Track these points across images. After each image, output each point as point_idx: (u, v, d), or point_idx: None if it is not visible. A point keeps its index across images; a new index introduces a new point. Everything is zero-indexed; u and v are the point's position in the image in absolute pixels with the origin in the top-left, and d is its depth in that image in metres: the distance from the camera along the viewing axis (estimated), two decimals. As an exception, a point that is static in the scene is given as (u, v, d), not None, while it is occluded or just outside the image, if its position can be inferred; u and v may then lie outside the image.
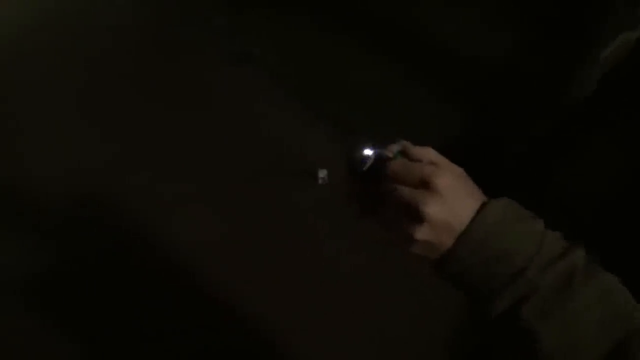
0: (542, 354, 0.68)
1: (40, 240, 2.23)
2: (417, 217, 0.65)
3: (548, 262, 0.67)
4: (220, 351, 1.98)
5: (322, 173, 2.50)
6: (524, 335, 0.68)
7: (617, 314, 0.68)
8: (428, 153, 0.71)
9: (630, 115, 1.06)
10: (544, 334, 0.67)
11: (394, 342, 1.91)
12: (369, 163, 0.77)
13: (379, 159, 0.76)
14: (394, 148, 0.78)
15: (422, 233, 0.65)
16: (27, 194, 2.40)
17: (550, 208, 0.77)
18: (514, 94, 2.78)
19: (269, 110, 3.49)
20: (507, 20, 3.05)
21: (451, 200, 0.65)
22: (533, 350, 0.68)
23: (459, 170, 0.70)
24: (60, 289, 2.07)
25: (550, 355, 0.68)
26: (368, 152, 0.77)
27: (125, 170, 2.55)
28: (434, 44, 3.35)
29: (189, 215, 2.31)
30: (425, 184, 0.65)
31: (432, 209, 0.64)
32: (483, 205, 0.66)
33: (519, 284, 0.67)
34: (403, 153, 0.76)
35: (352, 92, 3.52)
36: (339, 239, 2.21)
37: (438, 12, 3.29)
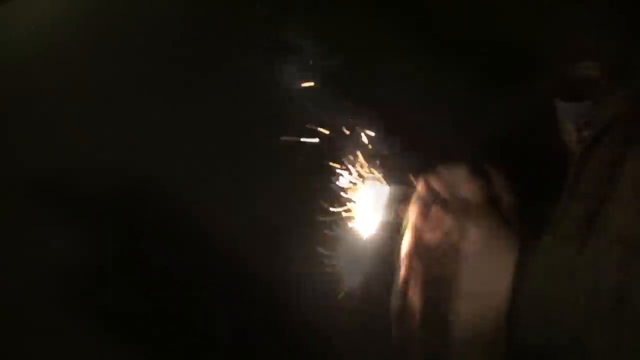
0: None
1: (87, 232, 2.26)
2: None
3: None
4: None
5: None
6: None
7: None
8: (459, 186, 0.68)
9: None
10: None
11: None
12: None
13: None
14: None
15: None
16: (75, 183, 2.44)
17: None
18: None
19: (306, 100, 3.47)
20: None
21: (483, 272, 0.61)
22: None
23: (490, 216, 0.66)
24: (102, 279, 2.10)
25: None
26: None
27: (165, 156, 2.56)
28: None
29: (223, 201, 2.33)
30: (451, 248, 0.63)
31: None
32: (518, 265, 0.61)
33: None
34: (429, 189, 0.70)
35: (392, 81, 3.46)
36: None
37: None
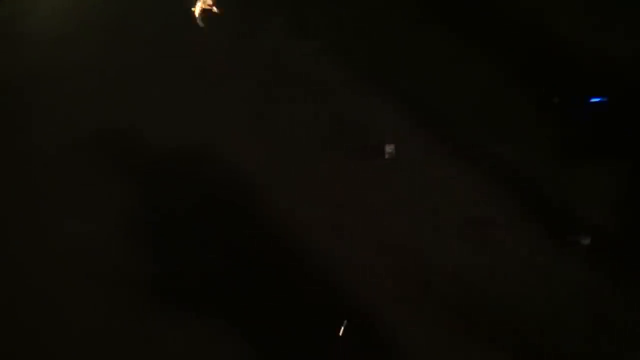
0: None
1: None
2: None
3: None
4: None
5: (390, 148, 2.59)
6: None
7: None
8: None
9: None
10: None
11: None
12: None
13: None
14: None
15: None
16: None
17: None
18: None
19: (338, 85, 3.52)
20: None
21: None
22: None
23: None
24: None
25: None
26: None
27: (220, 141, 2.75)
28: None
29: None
30: None
31: None
32: None
33: None
34: None
35: (422, 67, 3.47)
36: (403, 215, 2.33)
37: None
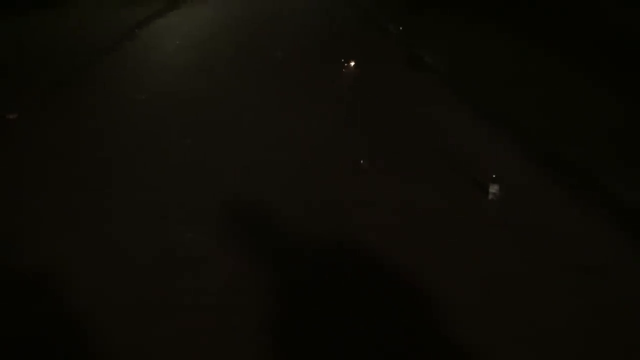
0: None
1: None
2: None
3: None
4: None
5: (494, 188, 2.34)
6: None
7: None
8: None
9: None
10: None
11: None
12: None
13: None
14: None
15: None
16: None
17: None
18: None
19: (442, 116, 3.41)
20: None
21: None
22: None
23: None
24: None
25: None
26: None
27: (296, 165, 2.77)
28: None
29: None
30: None
31: None
32: None
33: None
34: None
35: (530, 97, 3.23)
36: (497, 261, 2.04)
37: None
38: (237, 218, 2.29)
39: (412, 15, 5.17)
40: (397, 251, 2.01)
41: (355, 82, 4.09)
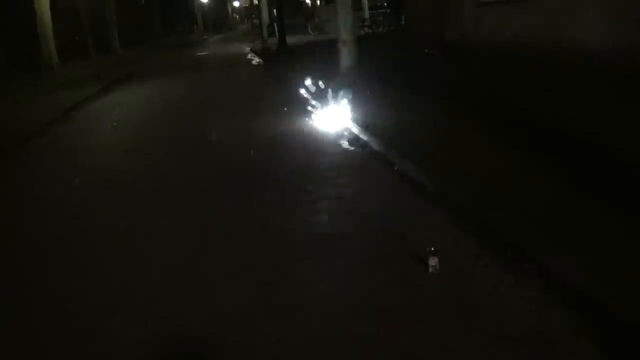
0: None
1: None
2: None
3: None
4: None
5: (434, 261, 2.31)
6: None
7: None
8: None
9: None
10: None
11: None
12: None
13: None
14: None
15: None
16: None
17: None
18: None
19: (393, 198, 3.30)
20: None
21: None
22: None
23: None
24: None
25: None
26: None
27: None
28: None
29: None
30: None
31: None
32: None
33: None
34: None
35: (474, 179, 3.24)
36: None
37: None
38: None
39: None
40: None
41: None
